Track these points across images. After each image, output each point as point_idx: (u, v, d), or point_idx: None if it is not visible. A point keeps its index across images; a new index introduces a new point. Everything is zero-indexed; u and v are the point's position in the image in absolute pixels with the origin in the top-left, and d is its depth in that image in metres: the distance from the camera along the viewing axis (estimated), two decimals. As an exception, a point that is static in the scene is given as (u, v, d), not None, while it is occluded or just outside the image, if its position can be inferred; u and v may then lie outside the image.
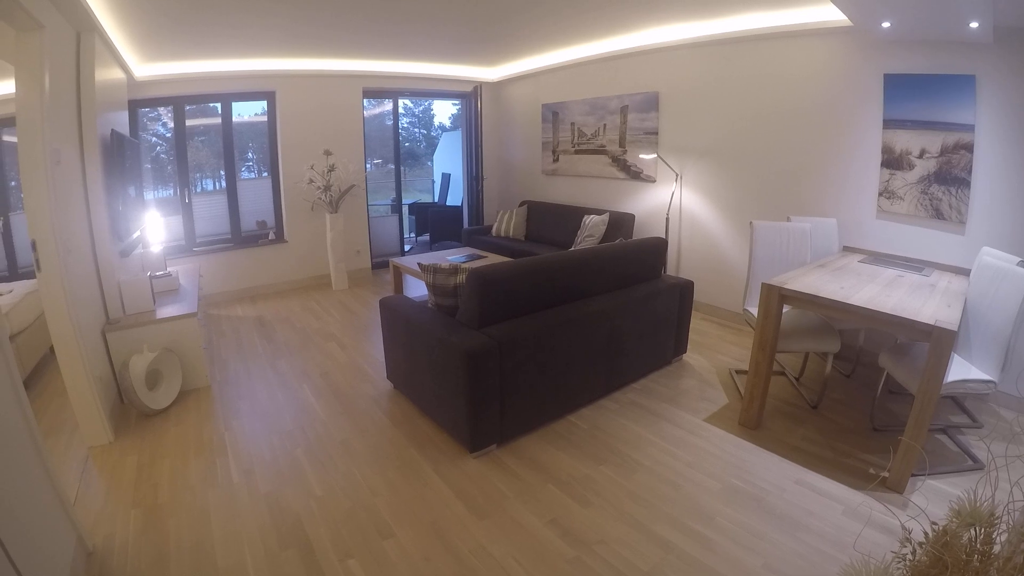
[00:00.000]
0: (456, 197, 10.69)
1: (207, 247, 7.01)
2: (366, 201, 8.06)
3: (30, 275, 4.48)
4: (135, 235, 4.87)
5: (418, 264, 4.23)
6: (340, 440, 3.59)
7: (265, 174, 7.53)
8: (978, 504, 1.12)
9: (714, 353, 4.99)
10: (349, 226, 7.60)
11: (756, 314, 3.59)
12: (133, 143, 5.07)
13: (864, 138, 4.54)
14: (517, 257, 4.48)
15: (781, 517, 2.79)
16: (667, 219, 6.24)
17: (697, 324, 5.50)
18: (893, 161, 4.37)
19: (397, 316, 3.94)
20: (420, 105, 17.57)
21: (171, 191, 7.09)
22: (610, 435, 3.62)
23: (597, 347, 3.88)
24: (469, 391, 3.18)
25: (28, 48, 3.02)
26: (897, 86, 4.25)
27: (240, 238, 7.26)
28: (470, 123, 8.80)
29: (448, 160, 11.88)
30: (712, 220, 5.93)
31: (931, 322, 2.76)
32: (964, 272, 3.85)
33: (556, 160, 8.04)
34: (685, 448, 3.45)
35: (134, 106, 6.08)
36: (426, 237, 10.13)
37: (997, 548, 1.10)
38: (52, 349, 3.34)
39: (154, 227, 5.41)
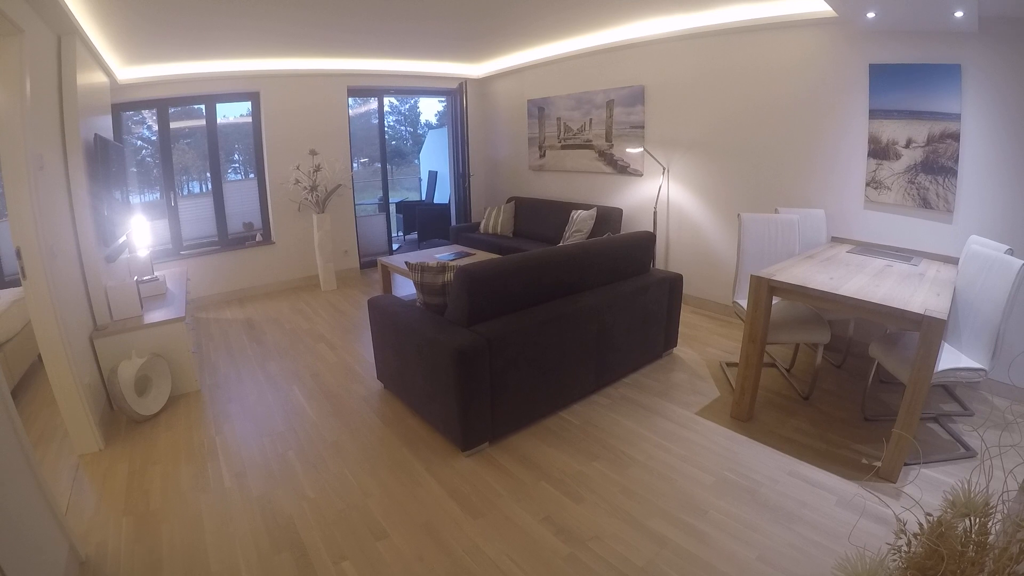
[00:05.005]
0: (443, 195, 10.67)
1: (194, 250, 6.97)
2: (353, 200, 8.04)
3: (16, 283, 4.42)
4: (121, 240, 4.82)
5: (406, 263, 4.22)
6: (331, 441, 3.58)
7: (251, 175, 7.48)
8: (973, 494, 1.12)
9: (704, 346, 5.00)
10: (336, 226, 7.57)
11: (746, 306, 3.59)
12: (117, 147, 5.02)
13: (850, 128, 4.55)
14: (505, 254, 4.47)
15: (775, 509, 2.80)
16: (655, 213, 6.25)
17: (687, 317, 5.51)
18: (880, 151, 4.38)
19: (386, 316, 3.92)
20: (406, 103, 17.54)
21: (157, 194, 7.03)
22: (602, 430, 3.62)
23: (587, 343, 3.88)
24: (459, 390, 3.17)
25: (8, 53, 2.97)
26: (883, 76, 4.26)
27: (227, 240, 7.22)
28: (456, 120, 8.77)
29: (435, 158, 11.84)
30: (700, 213, 5.93)
31: (921, 311, 2.77)
32: (952, 261, 3.87)
33: (543, 156, 8.03)
34: (677, 442, 3.46)
35: (117, 109, 6.03)
36: (414, 235, 10.10)
37: (992, 538, 1.10)
38: (40, 357, 3.31)
39: (140, 231, 5.36)
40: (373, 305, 4.09)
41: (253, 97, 7.05)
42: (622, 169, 6.75)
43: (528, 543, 2.62)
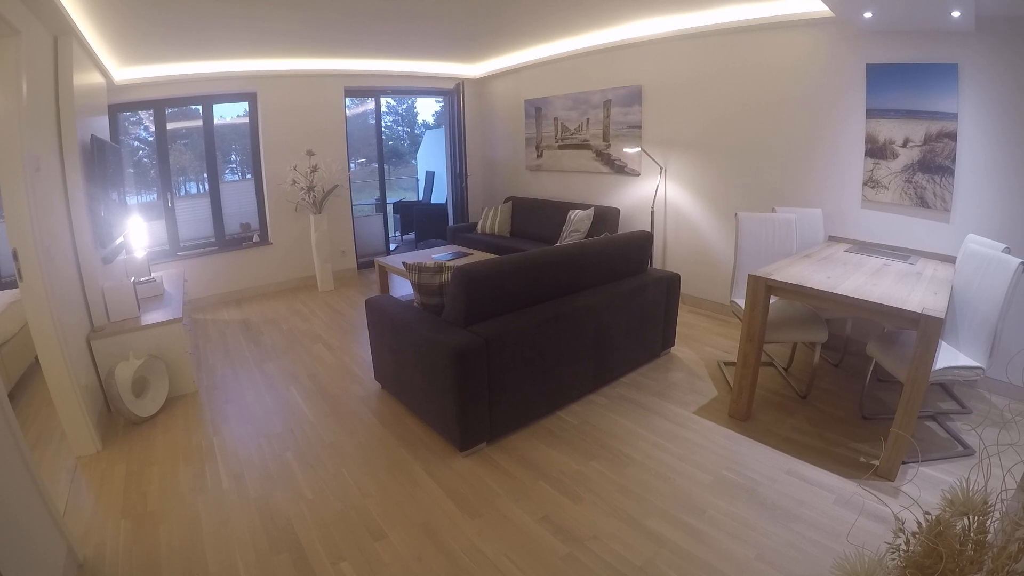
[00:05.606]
0: (441, 195, 10.65)
1: (191, 251, 6.95)
2: (350, 201, 8.02)
3: (13, 284, 4.41)
4: (118, 241, 4.81)
5: (403, 263, 4.21)
6: (329, 442, 3.57)
7: (248, 176, 7.46)
8: (971, 492, 1.12)
9: (702, 345, 5.00)
10: (333, 226, 7.56)
11: (743, 305, 3.59)
12: (114, 148, 5.01)
13: (847, 128, 4.55)
14: (503, 254, 4.45)
15: (773, 508, 2.80)
16: (652, 212, 6.25)
17: (684, 317, 5.51)
18: (877, 150, 4.39)
19: (383, 316, 3.92)
20: (403, 103, 17.53)
21: (154, 195, 7.00)
22: (600, 430, 3.61)
23: (585, 342, 3.88)
24: (457, 390, 3.16)
25: (4, 54, 2.96)
26: (880, 76, 4.26)
27: (224, 241, 7.20)
28: (453, 120, 8.76)
29: (432, 158, 11.83)
30: (697, 212, 5.93)
31: (918, 310, 2.77)
32: (950, 260, 3.88)
33: (540, 156, 8.03)
34: (675, 441, 3.45)
35: (114, 110, 6.00)
36: (411, 236, 10.09)
37: (991, 536, 1.10)
38: (38, 359, 3.30)
39: (137, 232, 5.36)
40: (370, 305, 4.08)
41: (250, 98, 7.04)
42: (619, 169, 6.75)
43: (526, 543, 2.62)
